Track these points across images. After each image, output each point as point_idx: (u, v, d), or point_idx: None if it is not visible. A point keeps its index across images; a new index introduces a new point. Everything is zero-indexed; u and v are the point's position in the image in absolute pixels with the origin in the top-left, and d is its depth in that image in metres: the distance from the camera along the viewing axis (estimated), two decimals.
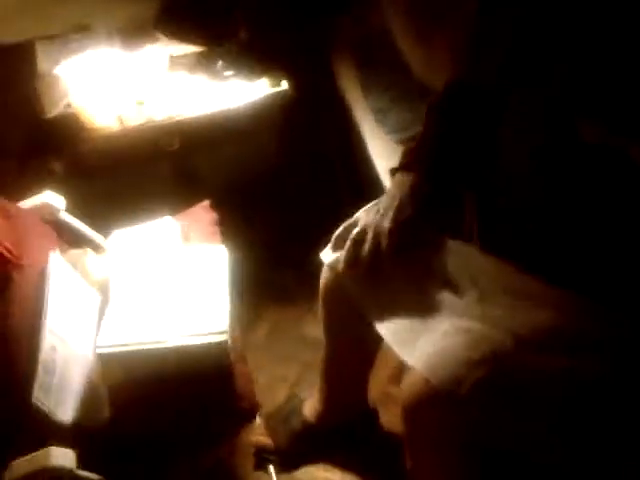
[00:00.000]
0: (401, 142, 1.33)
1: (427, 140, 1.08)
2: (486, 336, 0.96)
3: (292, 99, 1.43)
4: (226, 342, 1.09)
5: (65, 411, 1.03)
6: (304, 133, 1.55)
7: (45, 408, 0.99)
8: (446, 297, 1.05)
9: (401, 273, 1.11)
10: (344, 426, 1.52)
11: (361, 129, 1.41)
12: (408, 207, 1.07)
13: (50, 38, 1.53)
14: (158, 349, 1.07)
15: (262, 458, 1.56)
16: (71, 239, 1.30)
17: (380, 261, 1.10)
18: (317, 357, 1.47)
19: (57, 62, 1.40)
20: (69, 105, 1.40)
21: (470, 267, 1.06)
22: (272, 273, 1.95)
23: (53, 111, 1.41)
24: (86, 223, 1.38)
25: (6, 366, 0.98)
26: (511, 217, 1.04)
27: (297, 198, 1.73)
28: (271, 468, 1.55)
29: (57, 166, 1.43)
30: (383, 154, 1.37)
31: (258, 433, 1.58)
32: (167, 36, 1.43)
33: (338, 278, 1.18)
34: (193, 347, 1.07)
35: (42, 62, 1.46)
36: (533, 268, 0.98)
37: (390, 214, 1.09)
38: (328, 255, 1.19)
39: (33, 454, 0.94)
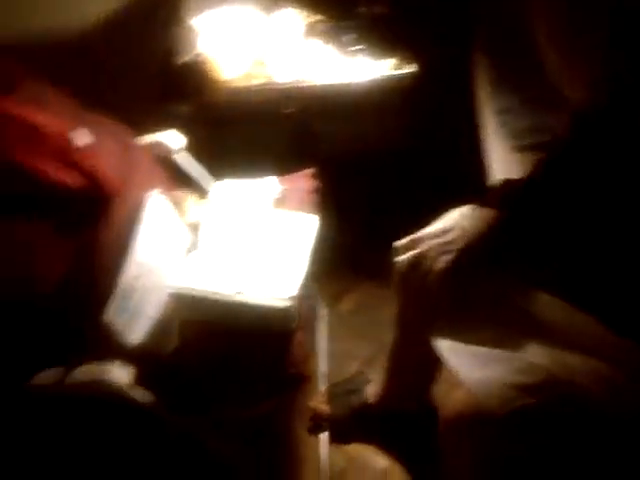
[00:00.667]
0: (518, 149, 1.27)
1: (527, 186, 1.02)
2: (544, 368, 0.92)
3: (418, 83, 1.41)
4: (292, 309, 1.12)
5: (134, 334, 1.11)
6: (424, 119, 1.52)
7: (115, 328, 1.07)
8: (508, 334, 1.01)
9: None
10: (401, 415, 1.52)
11: (483, 128, 1.37)
12: (474, 248, 1.03)
13: None
14: (229, 301, 1.12)
15: (317, 424, 1.61)
16: (179, 179, 1.37)
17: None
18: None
19: (199, 13, 1.47)
20: (199, 55, 1.47)
21: (539, 311, 1.02)
22: (365, 252, 1.95)
23: (187, 59, 1.49)
24: (206, 165, 1.45)
25: (89, 282, 1.07)
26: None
27: (403, 180, 1.71)
28: (323, 435, 1.58)
29: (182, 110, 1.52)
30: (498, 158, 1.32)
31: (319, 400, 1.63)
32: (301, 5, 1.45)
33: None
34: (260, 307, 1.12)
35: (186, 14, 1.53)
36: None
37: (449, 254, 1.05)
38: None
39: (94, 365, 1.03)
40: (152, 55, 1.50)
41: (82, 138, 1.10)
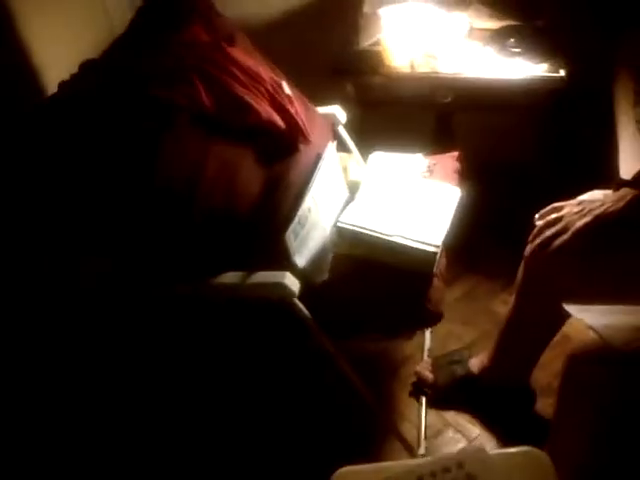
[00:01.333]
0: None
1: None
2: None
3: (564, 88, 1.58)
4: (435, 254, 1.30)
5: (301, 257, 1.32)
6: (564, 121, 1.67)
7: (290, 247, 1.28)
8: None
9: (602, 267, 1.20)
10: (501, 391, 1.63)
11: (619, 134, 1.48)
12: (611, 218, 1.13)
13: None
14: (383, 239, 1.31)
15: (419, 389, 1.76)
16: (340, 147, 1.59)
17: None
18: (497, 329, 1.58)
19: (378, 7, 1.71)
20: (377, 43, 1.70)
21: None
22: (483, 245, 2.08)
23: (363, 44, 1.72)
24: (357, 140, 1.66)
25: (276, 205, 1.28)
26: None
27: (533, 179, 1.85)
28: (423, 399, 1.73)
29: (350, 89, 1.75)
30: (634, 162, 1.43)
31: (424, 367, 1.78)
32: (479, 1, 1.66)
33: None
34: (409, 248, 1.30)
35: (367, 6, 1.77)
36: None
37: (588, 216, 1.16)
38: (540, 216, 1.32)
39: (274, 272, 1.24)
40: (337, 40, 1.74)
41: (287, 89, 1.33)
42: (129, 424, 1.70)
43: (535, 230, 1.26)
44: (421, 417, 1.69)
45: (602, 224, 1.15)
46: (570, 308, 1.21)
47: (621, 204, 1.15)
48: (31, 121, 1.20)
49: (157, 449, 1.64)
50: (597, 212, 1.16)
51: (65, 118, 1.21)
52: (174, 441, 1.66)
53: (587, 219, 1.16)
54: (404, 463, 1.01)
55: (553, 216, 1.22)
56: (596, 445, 1.14)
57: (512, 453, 1.02)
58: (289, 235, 1.26)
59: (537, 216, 1.29)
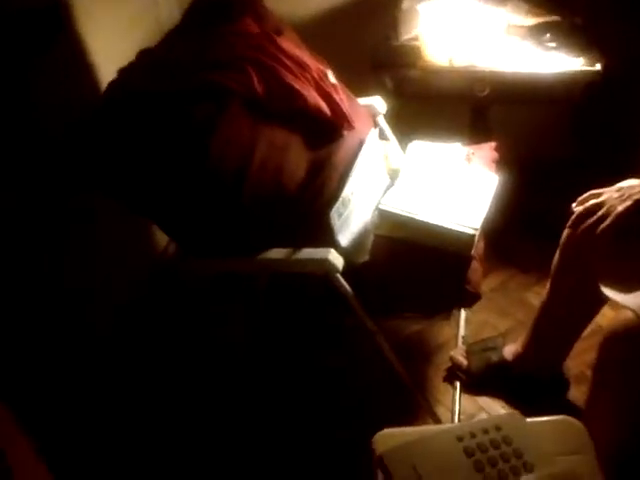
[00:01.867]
0: None
1: None
2: None
3: (600, 81, 1.62)
4: (474, 236, 1.35)
5: (343, 237, 1.38)
6: (600, 113, 1.71)
7: (333, 226, 1.34)
8: None
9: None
10: (534, 378, 1.66)
11: None
12: None
13: None
14: (423, 221, 1.37)
15: (453, 374, 1.80)
16: (381, 137, 1.65)
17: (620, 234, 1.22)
18: (530, 319, 1.62)
19: (416, 3, 1.77)
20: (416, 37, 1.76)
21: None
22: (518, 237, 2.12)
23: (402, 39, 1.79)
24: (395, 131, 1.72)
25: (320, 187, 1.35)
26: None
27: (569, 173, 1.88)
28: (457, 384, 1.76)
29: (389, 81, 1.81)
30: None
31: (458, 353, 1.82)
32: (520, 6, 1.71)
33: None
34: (448, 230, 1.35)
35: (406, 1, 1.84)
36: None
37: (629, 201, 1.19)
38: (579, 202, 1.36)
39: (319, 249, 1.31)
40: (376, 34, 1.81)
41: (332, 78, 1.40)
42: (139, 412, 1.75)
43: (574, 216, 1.29)
44: (455, 401, 1.72)
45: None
46: (607, 290, 1.25)
47: None
48: (103, 112, 1.28)
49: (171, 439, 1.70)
50: (637, 197, 1.19)
51: (127, 107, 1.28)
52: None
53: (628, 203, 1.19)
54: (443, 426, 1.06)
55: (592, 202, 1.25)
56: (630, 418, 1.18)
57: (548, 420, 1.06)
58: (333, 215, 1.33)
59: (575, 203, 1.31)
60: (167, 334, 1.84)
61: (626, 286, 1.21)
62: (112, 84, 1.37)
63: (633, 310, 1.13)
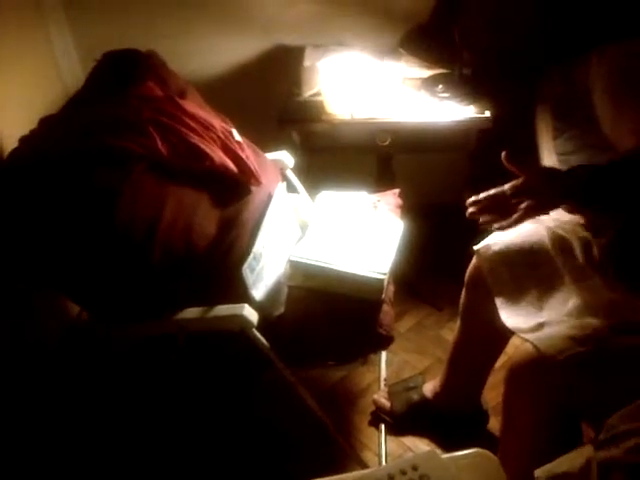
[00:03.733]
0: None
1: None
2: (588, 324, 1.17)
3: (489, 127, 1.75)
4: (383, 281, 1.40)
5: (258, 291, 1.40)
6: (491, 156, 1.83)
7: (247, 281, 1.36)
8: (559, 296, 1.27)
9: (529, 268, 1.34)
10: (455, 413, 1.73)
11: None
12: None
13: (316, 46, 1.99)
14: (333, 269, 1.41)
15: (377, 417, 1.84)
16: (289, 190, 1.70)
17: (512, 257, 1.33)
18: (446, 356, 1.69)
19: (317, 61, 1.86)
20: (318, 93, 1.84)
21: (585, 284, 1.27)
22: (427, 277, 2.22)
23: (305, 94, 1.86)
24: (304, 183, 1.78)
25: (231, 244, 1.37)
26: None
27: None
28: (383, 427, 1.80)
29: (295, 136, 1.87)
30: None
31: (381, 396, 1.85)
32: (409, 54, 1.83)
33: (481, 263, 1.44)
34: (358, 276, 1.40)
35: (307, 60, 1.92)
36: None
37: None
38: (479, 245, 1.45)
39: (233, 305, 1.32)
40: (282, 91, 1.88)
41: (237, 136, 1.44)
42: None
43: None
44: (381, 444, 1.76)
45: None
46: (505, 319, 1.33)
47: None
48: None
49: None
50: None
51: (29, 174, 1.27)
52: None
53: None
54: (362, 472, 1.07)
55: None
56: (538, 447, 1.24)
57: (463, 455, 1.10)
58: (245, 270, 1.35)
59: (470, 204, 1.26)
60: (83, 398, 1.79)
61: (528, 319, 1.30)
62: (13, 152, 1.35)
63: (533, 343, 1.21)
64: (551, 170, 1.22)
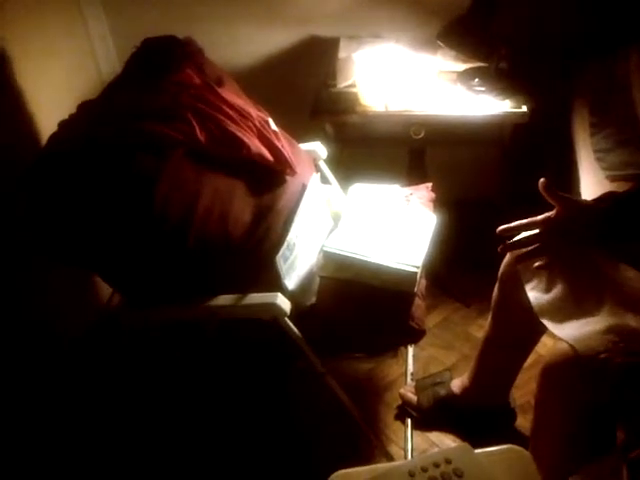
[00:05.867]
0: (613, 179, 1.46)
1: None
2: (626, 323, 1.15)
3: (527, 122, 1.73)
4: (416, 274, 1.39)
5: (290, 280, 1.40)
6: (527, 152, 1.82)
7: (280, 270, 1.36)
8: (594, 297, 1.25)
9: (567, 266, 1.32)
10: (482, 410, 1.71)
11: (579, 163, 1.61)
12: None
13: (351, 38, 1.99)
14: (367, 261, 1.40)
15: (404, 411, 1.83)
16: (322, 181, 1.70)
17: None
18: (475, 352, 1.67)
19: (352, 52, 1.85)
20: (353, 84, 1.83)
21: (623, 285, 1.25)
22: (457, 272, 2.20)
23: (339, 86, 1.86)
24: (337, 175, 1.78)
25: (265, 232, 1.37)
26: None
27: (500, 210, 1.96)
28: (409, 421, 1.79)
29: (329, 127, 1.87)
30: (592, 187, 1.55)
31: (408, 390, 1.85)
32: (446, 46, 1.81)
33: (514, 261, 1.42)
34: (391, 269, 1.39)
35: (342, 51, 1.91)
36: None
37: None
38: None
39: (266, 294, 1.32)
40: (317, 82, 1.88)
41: (273, 125, 1.44)
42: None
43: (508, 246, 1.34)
44: (407, 439, 1.75)
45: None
46: (544, 320, 1.31)
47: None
48: (47, 161, 1.28)
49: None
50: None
51: (69, 159, 1.28)
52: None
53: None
54: (395, 463, 1.07)
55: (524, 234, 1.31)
56: (571, 446, 1.23)
57: (496, 450, 1.09)
58: (279, 259, 1.35)
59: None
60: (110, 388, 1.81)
61: (560, 315, 1.28)
62: (53, 137, 1.36)
63: (567, 341, 1.19)
64: (585, 207, 1.20)
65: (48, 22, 1.80)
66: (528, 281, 1.34)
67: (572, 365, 1.17)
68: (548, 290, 1.31)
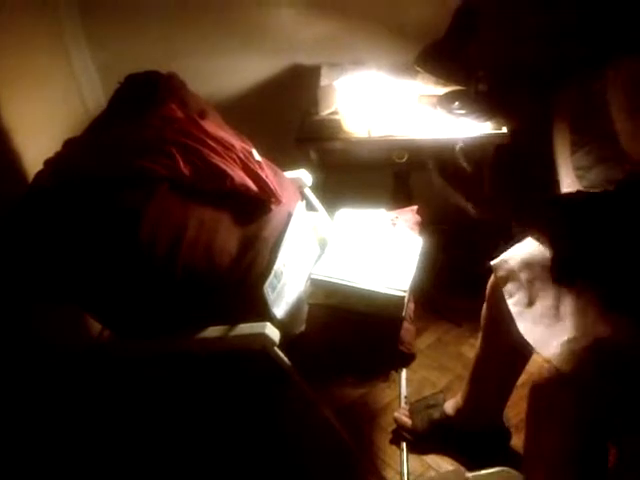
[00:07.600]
0: None
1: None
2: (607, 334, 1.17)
3: (506, 143, 1.75)
4: (403, 298, 1.40)
5: (279, 309, 1.41)
6: (509, 173, 1.84)
7: (269, 299, 1.37)
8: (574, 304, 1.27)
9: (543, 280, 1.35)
10: (477, 430, 1.71)
11: (561, 181, 1.63)
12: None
13: (332, 65, 2.02)
14: (354, 287, 1.41)
15: (399, 435, 1.82)
16: (307, 208, 1.71)
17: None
18: (468, 372, 1.68)
19: (334, 80, 1.88)
20: (335, 112, 1.86)
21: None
22: (447, 293, 2.22)
23: (322, 113, 1.88)
24: (323, 201, 1.79)
25: (252, 262, 1.38)
26: None
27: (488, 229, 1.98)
28: (404, 445, 1.79)
29: (313, 154, 1.89)
30: None
31: (402, 413, 1.84)
32: (424, 71, 1.84)
33: (498, 277, 1.44)
34: (379, 294, 1.40)
35: (324, 79, 1.94)
36: None
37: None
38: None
39: (254, 323, 1.33)
40: (300, 110, 1.90)
41: (257, 155, 1.46)
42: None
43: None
44: (403, 462, 1.75)
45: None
46: (527, 336, 1.33)
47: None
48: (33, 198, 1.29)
49: None
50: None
51: (54, 196, 1.29)
52: None
53: None
54: None
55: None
56: (563, 464, 1.23)
57: (488, 473, 1.10)
58: (267, 288, 1.35)
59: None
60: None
61: (541, 325, 1.30)
62: (39, 175, 1.37)
63: (551, 362, 1.20)
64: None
65: (32, 60, 1.81)
66: (511, 296, 1.36)
67: (558, 383, 1.19)
68: (530, 304, 1.33)
